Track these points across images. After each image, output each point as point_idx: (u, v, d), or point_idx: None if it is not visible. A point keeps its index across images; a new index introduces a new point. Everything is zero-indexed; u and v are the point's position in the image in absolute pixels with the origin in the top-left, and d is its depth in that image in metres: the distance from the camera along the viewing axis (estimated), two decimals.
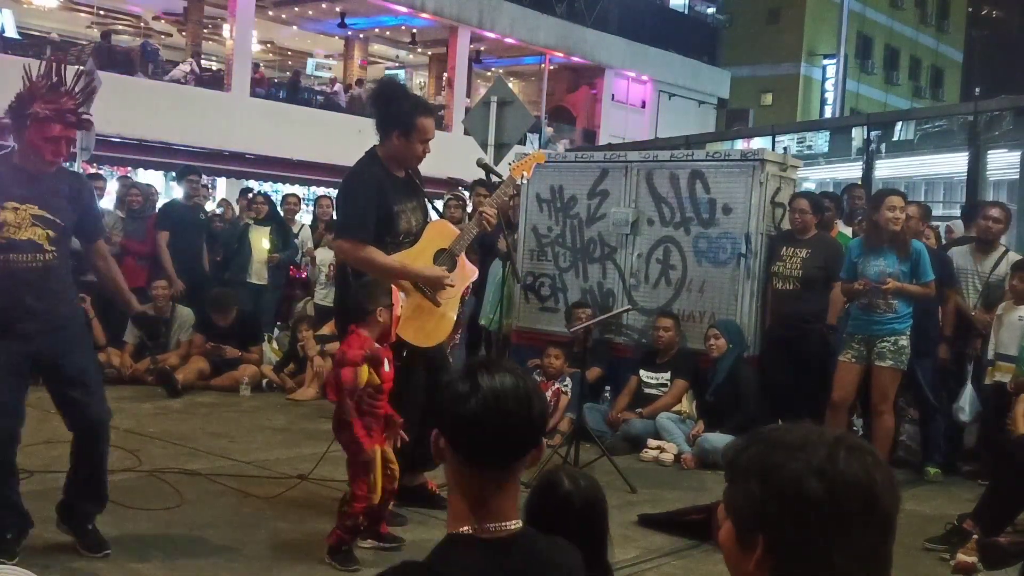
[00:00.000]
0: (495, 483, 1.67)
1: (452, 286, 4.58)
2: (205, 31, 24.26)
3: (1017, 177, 11.01)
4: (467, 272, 4.77)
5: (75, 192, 3.92)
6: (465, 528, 1.68)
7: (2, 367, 3.67)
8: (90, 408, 3.86)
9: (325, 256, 9.00)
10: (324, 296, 8.90)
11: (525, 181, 4.94)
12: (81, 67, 4.22)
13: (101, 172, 14.77)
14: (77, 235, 4.01)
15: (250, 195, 10.51)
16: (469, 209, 8.95)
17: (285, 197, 11.11)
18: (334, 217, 10.46)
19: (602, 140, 27.41)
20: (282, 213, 10.12)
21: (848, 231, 7.51)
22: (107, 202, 10.87)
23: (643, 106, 31.55)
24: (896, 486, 1.34)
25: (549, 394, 7.05)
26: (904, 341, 5.90)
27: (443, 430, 1.70)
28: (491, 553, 1.65)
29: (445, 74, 27.17)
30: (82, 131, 4.02)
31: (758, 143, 13.90)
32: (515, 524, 1.70)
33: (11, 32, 20.88)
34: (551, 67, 29.19)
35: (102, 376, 4.07)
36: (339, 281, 4.94)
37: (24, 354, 3.72)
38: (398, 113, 4.55)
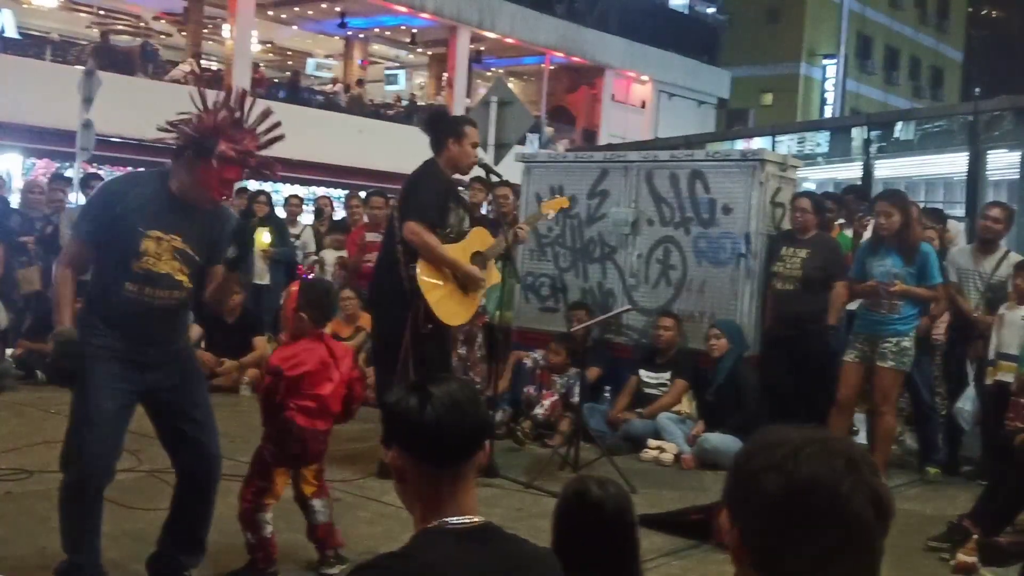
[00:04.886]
0: (455, 482, 1.80)
1: (483, 286, 5.62)
2: (205, 31, 24.25)
3: (1017, 177, 11.00)
4: (493, 275, 5.74)
5: (219, 232, 3.59)
6: (433, 524, 1.79)
7: (118, 392, 3.43)
8: (205, 444, 3.62)
9: (329, 257, 9.05)
10: None
11: (551, 218, 6.26)
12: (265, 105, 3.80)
13: (100, 172, 14.74)
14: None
15: (248, 194, 10.48)
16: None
17: (287, 199, 11.10)
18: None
19: (602, 140, 27.42)
20: (285, 214, 10.11)
21: (850, 232, 7.50)
22: None
23: (643, 106, 31.56)
24: (879, 498, 1.28)
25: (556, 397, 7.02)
26: (907, 342, 5.91)
27: (401, 443, 1.84)
28: (462, 540, 1.76)
29: (445, 74, 27.17)
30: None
31: (758, 143, 13.90)
32: (480, 519, 1.82)
33: (11, 32, 20.87)
34: (551, 67, 29.18)
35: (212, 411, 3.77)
36: (388, 264, 5.45)
37: (139, 382, 3.49)
38: (450, 124, 5.65)
